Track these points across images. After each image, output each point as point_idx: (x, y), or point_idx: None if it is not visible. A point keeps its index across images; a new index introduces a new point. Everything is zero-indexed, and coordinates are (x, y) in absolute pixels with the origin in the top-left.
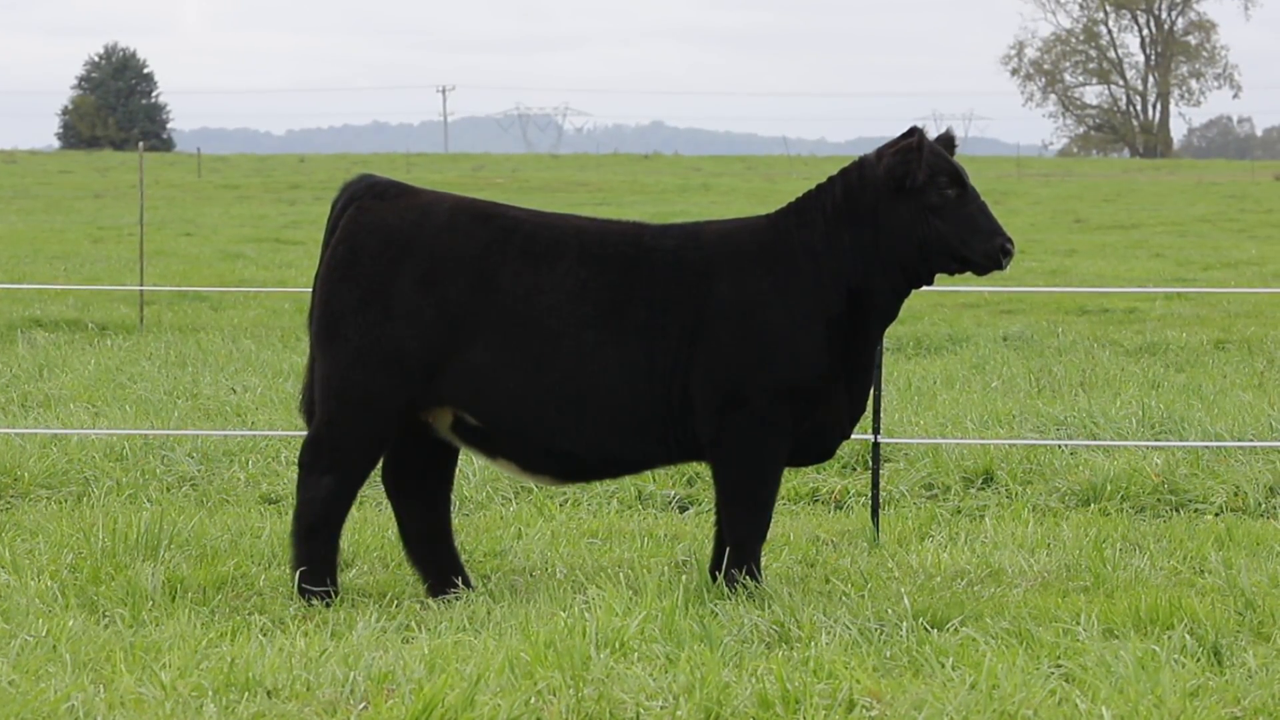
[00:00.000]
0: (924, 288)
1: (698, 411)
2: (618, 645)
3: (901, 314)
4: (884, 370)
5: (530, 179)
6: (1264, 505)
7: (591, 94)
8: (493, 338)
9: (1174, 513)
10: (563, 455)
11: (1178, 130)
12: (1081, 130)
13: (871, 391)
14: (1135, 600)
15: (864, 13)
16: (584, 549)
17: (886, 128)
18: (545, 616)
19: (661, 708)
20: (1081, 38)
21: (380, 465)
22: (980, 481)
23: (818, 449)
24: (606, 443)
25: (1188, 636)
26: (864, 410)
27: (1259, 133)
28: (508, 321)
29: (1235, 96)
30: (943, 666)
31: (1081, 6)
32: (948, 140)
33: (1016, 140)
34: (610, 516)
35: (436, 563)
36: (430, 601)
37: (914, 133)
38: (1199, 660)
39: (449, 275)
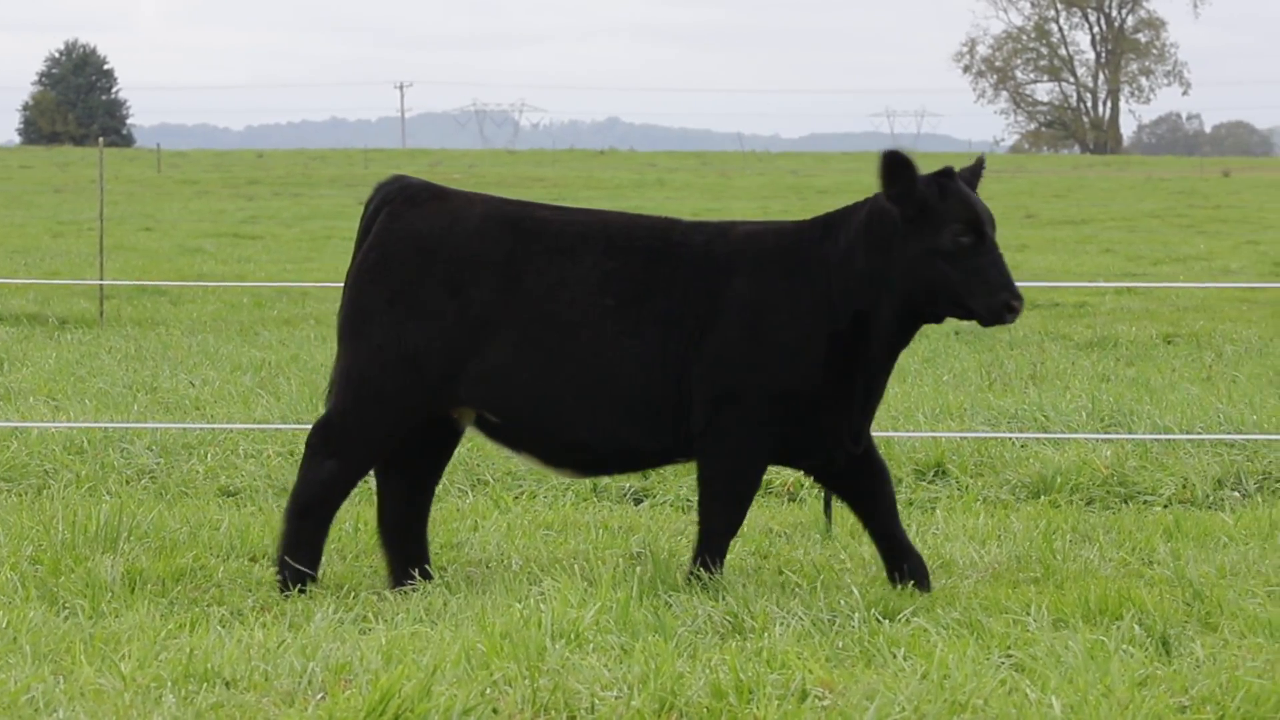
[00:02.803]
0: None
1: (694, 403)
2: (573, 636)
3: None
4: None
5: (487, 175)
6: (1211, 497)
7: (548, 90)
8: (512, 336)
9: (1123, 505)
10: (580, 448)
11: (1128, 127)
12: (1033, 127)
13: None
14: (1084, 591)
15: (818, 10)
16: (539, 541)
17: (840, 124)
18: (501, 608)
19: (616, 698)
20: (1033, 35)
21: None
22: (931, 474)
23: (818, 454)
24: (623, 434)
25: (1136, 627)
26: (866, 427)
27: (1208, 129)
28: (528, 318)
29: (1184, 94)
30: (894, 657)
31: (1033, 4)
32: (975, 169)
33: (968, 137)
34: (565, 509)
35: (404, 550)
36: (387, 593)
37: (950, 172)
38: (1147, 650)
39: (474, 280)
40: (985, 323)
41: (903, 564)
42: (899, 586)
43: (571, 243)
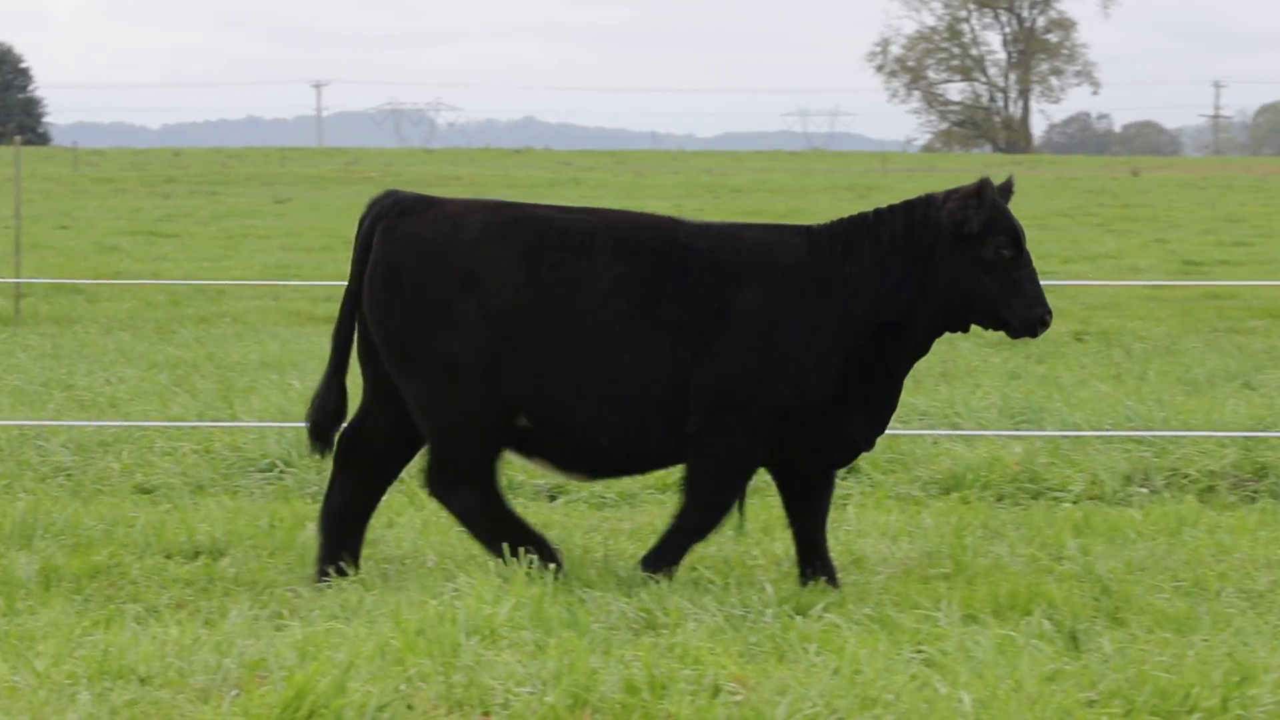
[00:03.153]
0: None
1: (691, 405)
2: (487, 632)
3: None
4: None
5: (403, 173)
6: (1120, 493)
7: (464, 89)
8: (540, 336)
9: (1033, 501)
10: (596, 451)
11: (1038, 126)
12: (945, 126)
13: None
14: (995, 586)
15: (731, 10)
16: (454, 538)
17: (753, 123)
18: (416, 604)
19: (530, 694)
20: (945, 35)
21: (346, 426)
22: (844, 470)
23: (825, 459)
24: (637, 438)
25: (1045, 622)
26: (882, 432)
27: (1117, 128)
28: (553, 318)
29: (1094, 93)
30: (806, 652)
31: (945, 4)
32: (1006, 188)
33: (881, 136)
34: None
35: (339, 542)
36: (302, 590)
37: (983, 183)
38: (1056, 645)
39: (490, 280)
40: (1015, 335)
41: (814, 571)
42: (808, 584)
43: (579, 240)
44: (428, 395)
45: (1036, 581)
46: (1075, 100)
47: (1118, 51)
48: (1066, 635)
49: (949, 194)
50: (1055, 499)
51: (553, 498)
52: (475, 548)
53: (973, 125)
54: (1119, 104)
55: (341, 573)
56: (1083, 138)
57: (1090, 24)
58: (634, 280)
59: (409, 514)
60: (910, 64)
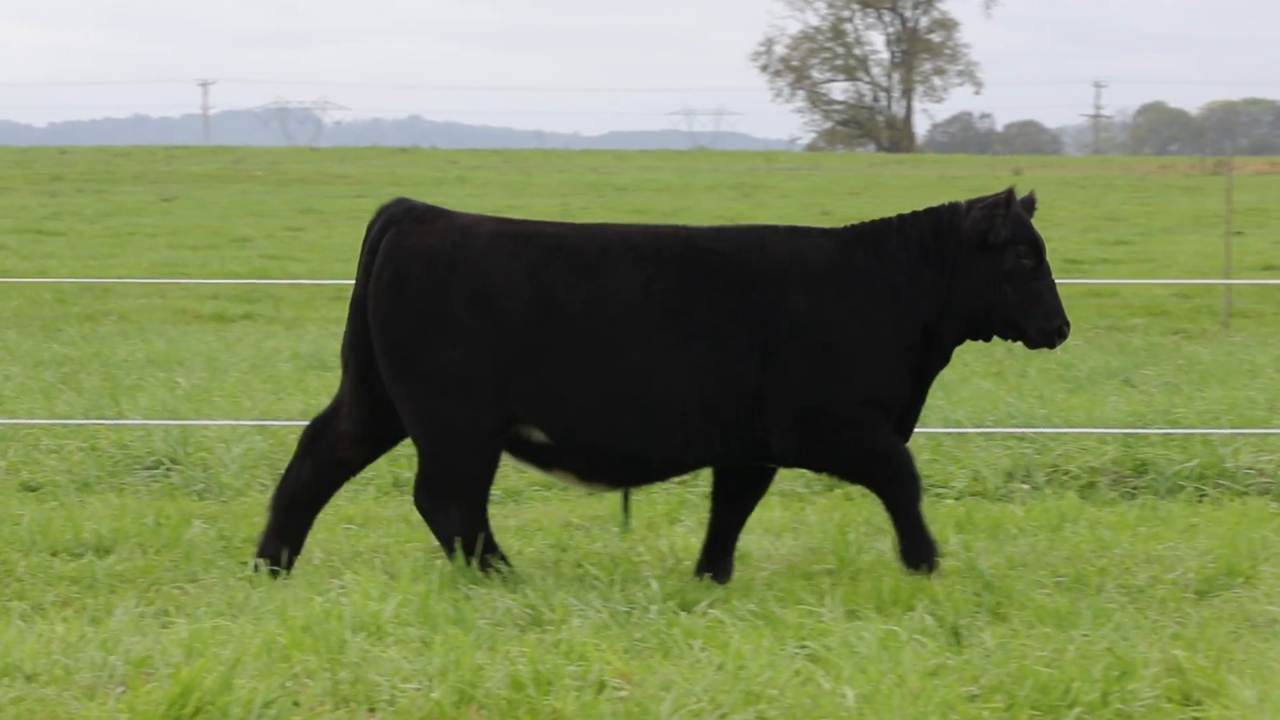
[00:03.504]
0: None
1: (773, 424)
2: (373, 629)
3: None
4: None
5: (290, 171)
6: (1002, 489)
7: (350, 88)
8: (560, 354)
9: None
10: (632, 461)
11: (921, 125)
12: (829, 125)
13: None
14: (878, 582)
15: (617, 9)
16: (341, 535)
17: (639, 122)
18: (302, 601)
19: (416, 689)
20: (829, 35)
21: (317, 415)
22: None
23: None
24: (674, 445)
25: (928, 617)
26: (906, 440)
27: (999, 128)
28: (573, 335)
29: (977, 93)
30: (691, 648)
31: (829, 5)
32: (1029, 202)
33: (766, 135)
34: (367, 503)
35: (288, 531)
36: (188, 587)
37: (1009, 192)
38: (939, 640)
39: (502, 294)
40: (1033, 345)
41: (714, 569)
42: (700, 578)
43: (596, 256)
44: (427, 408)
45: (919, 577)
46: (958, 100)
47: (1000, 52)
48: (948, 630)
49: (973, 202)
50: (938, 495)
51: None
52: (362, 545)
53: (856, 124)
54: (1001, 104)
55: (280, 558)
56: (965, 137)
57: (973, 24)
58: (663, 288)
59: None
60: (794, 64)
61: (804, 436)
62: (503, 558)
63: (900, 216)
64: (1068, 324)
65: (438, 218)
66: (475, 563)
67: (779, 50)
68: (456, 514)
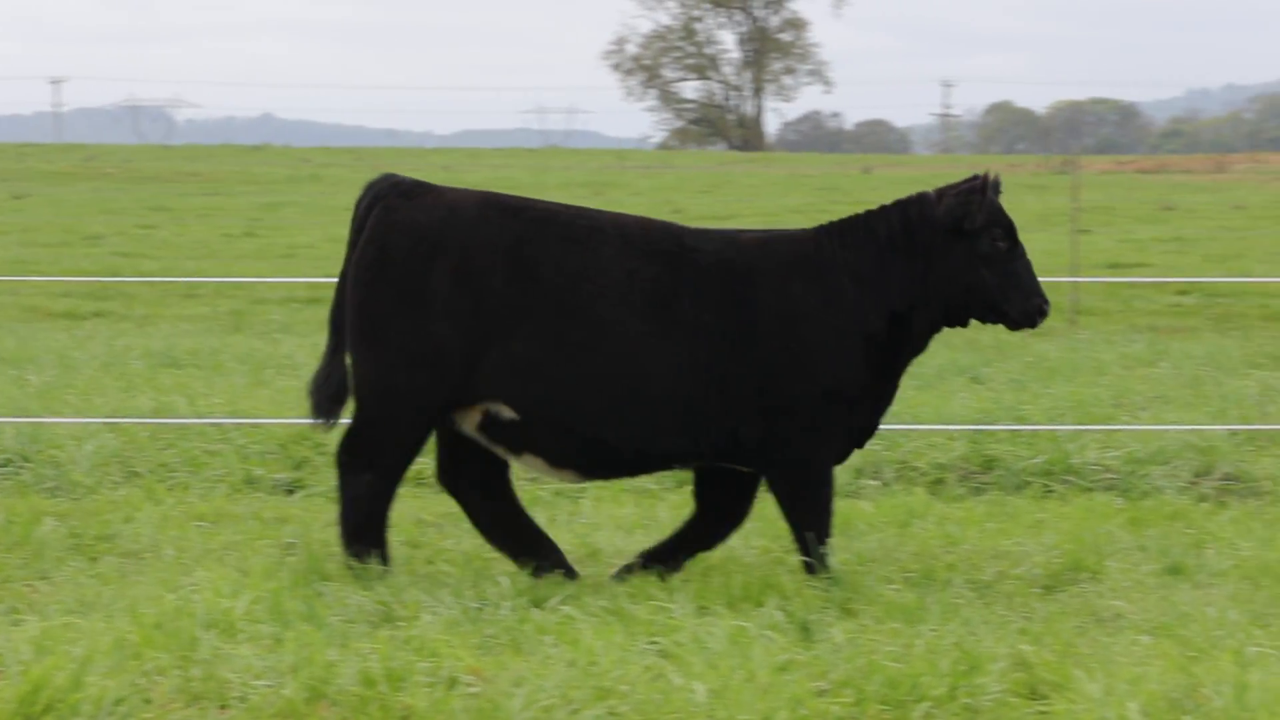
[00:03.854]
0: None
1: (737, 412)
2: (225, 626)
3: None
4: None
5: (142, 169)
6: (851, 486)
7: (202, 86)
8: (537, 327)
9: (766, 494)
10: (601, 447)
11: (772, 124)
12: (680, 124)
13: None
14: (728, 578)
15: (469, 8)
16: (193, 532)
17: (492, 120)
18: (154, 599)
19: (268, 686)
20: (680, 34)
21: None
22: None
23: (840, 456)
24: (645, 436)
25: (778, 613)
26: (875, 430)
27: (849, 127)
28: (552, 310)
29: (827, 92)
30: (542, 644)
31: (681, 4)
32: (996, 184)
33: (618, 134)
34: (218, 500)
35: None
36: (39, 584)
37: (977, 178)
38: (789, 636)
39: (485, 268)
40: (1015, 326)
41: (664, 562)
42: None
43: (585, 234)
44: (388, 378)
45: (769, 573)
46: (808, 99)
47: (849, 51)
48: (798, 626)
49: (943, 191)
50: None
51: (291, 492)
52: (214, 542)
53: (708, 123)
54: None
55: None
56: (816, 136)
57: (823, 24)
58: (646, 278)
59: (147, 509)
60: (646, 62)
61: (767, 429)
62: (383, 548)
63: (868, 211)
64: (1047, 302)
65: (425, 193)
66: (371, 533)
67: (631, 49)
68: (371, 481)
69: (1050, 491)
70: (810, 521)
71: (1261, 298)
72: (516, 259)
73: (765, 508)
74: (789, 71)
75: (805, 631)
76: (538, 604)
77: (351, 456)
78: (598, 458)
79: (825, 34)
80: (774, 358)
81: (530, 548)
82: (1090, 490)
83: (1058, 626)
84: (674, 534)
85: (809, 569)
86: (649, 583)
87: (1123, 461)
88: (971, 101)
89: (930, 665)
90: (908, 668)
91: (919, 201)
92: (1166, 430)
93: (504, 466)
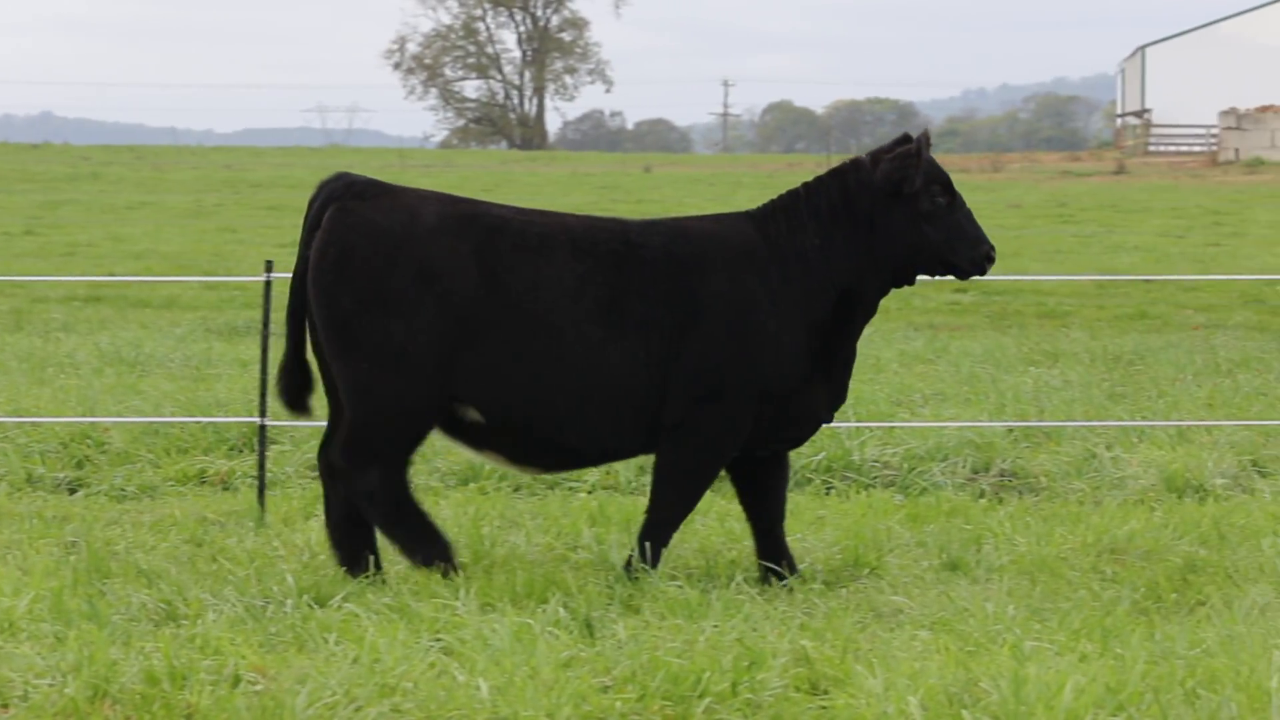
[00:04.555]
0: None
1: (671, 398)
2: (6, 625)
3: (287, 299)
4: (270, 355)
5: None
6: (634, 483)
7: None
8: (501, 334)
9: (549, 491)
10: (564, 448)
11: (553, 123)
12: (462, 123)
13: (268, 374)
14: (512, 576)
15: (250, 6)
16: None
17: (273, 119)
18: None
19: (50, 685)
20: (461, 34)
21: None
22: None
23: (793, 436)
24: (606, 434)
25: (561, 610)
26: (844, 399)
27: (630, 126)
28: (514, 318)
29: (607, 91)
30: (326, 642)
31: (461, 3)
32: (926, 138)
33: (399, 132)
34: None
35: (354, 544)
36: None
37: (909, 139)
38: (572, 632)
39: (447, 272)
40: (963, 275)
41: (781, 561)
42: (781, 584)
43: (539, 241)
44: (367, 380)
45: (553, 570)
46: (589, 98)
47: (630, 50)
48: (582, 623)
49: (876, 154)
50: (571, 489)
51: (73, 490)
52: None
53: (489, 122)
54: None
55: (376, 566)
56: (597, 135)
57: (603, 23)
58: (597, 281)
59: None
60: (427, 62)
61: (693, 411)
62: (429, 525)
63: (805, 185)
64: (993, 248)
65: (381, 193)
66: (397, 511)
67: (412, 48)
68: (375, 475)
69: (830, 489)
70: (674, 506)
71: (1037, 296)
72: (477, 265)
73: (543, 505)
74: (570, 71)
75: (588, 628)
76: (321, 602)
77: (353, 459)
78: (560, 456)
79: (606, 34)
80: (716, 348)
81: (362, 557)
82: (870, 487)
83: (838, 622)
84: (755, 533)
85: (642, 550)
86: (433, 580)
87: (902, 458)
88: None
89: (713, 661)
90: (690, 663)
91: (854, 168)
92: (945, 427)
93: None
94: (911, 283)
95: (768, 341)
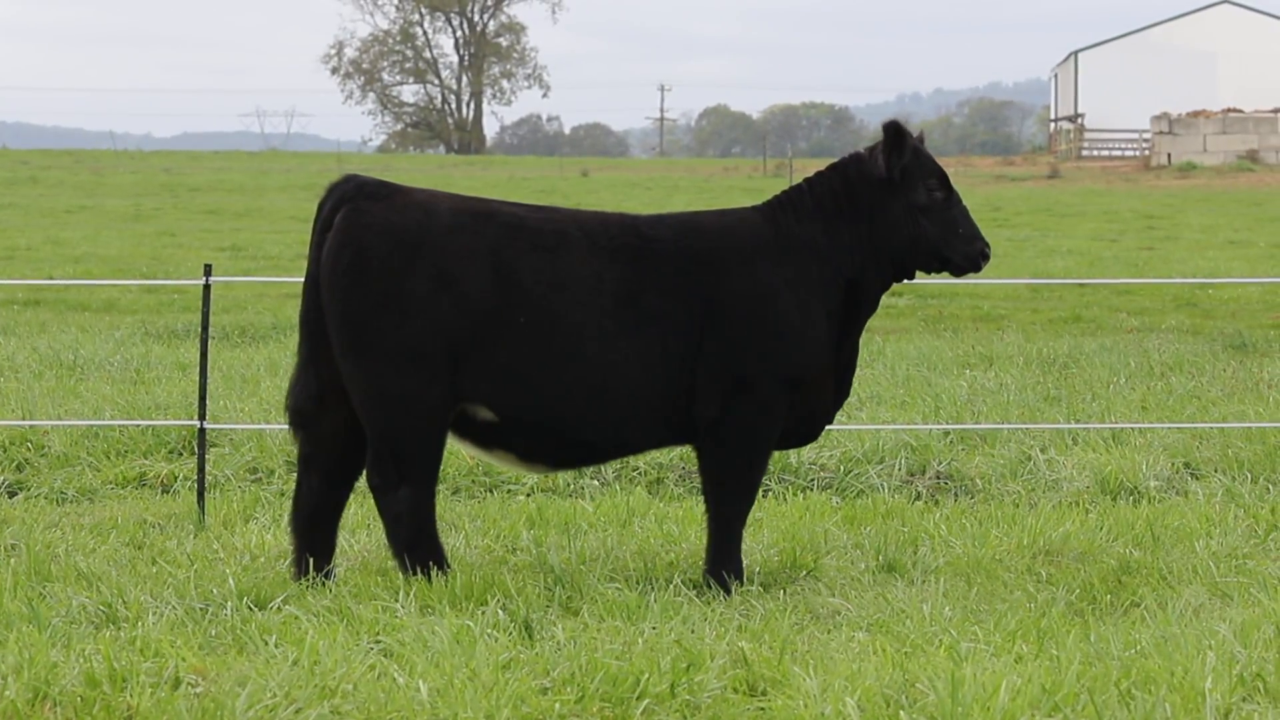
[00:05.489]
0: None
1: (701, 396)
2: None
3: (226, 303)
4: (209, 358)
5: None
6: (572, 485)
7: None
8: (516, 335)
9: (488, 493)
10: (582, 445)
11: (491, 128)
12: (400, 127)
13: (207, 378)
14: (451, 578)
15: (187, 10)
16: None
17: (211, 123)
18: None
19: None
20: (399, 39)
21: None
22: None
23: (806, 433)
24: (624, 430)
25: (501, 612)
26: (848, 397)
27: (567, 130)
28: (532, 317)
29: (544, 96)
30: (266, 644)
31: (398, 8)
32: (920, 137)
33: (338, 137)
34: None
35: (310, 543)
36: None
37: (894, 125)
38: (511, 634)
39: (465, 272)
40: (958, 271)
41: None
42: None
43: (555, 239)
44: (382, 384)
45: (492, 572)
46: (526, 103)
47: (567, 55)
48: (521, 624)
49: (873, 148)
50: (510, 491)
51: (12, 494)
52: None
53: (427, 127)
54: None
55: (311, 571)
56: (534, 139)
57: (540, 28)
58: (614, 277)
59: None
60: (365, 66)
61: (727, 406)
62: (439, 554)
63: (807, 180)
64: (988, 245)
65: (393, 194)
66: (424, 541)
67: (349, 53)
68: (407, 495)
69: (768, 491)
70: (738, 503)
71: (972, 299)
72: (494, 264)
73: (482, 507)
74: (507, 75)
75: (528, 630)
76: (261, 604)
77: (382, 477)
78: (575, 452)
79: (543, 39)
80: (742, 340)
81: (325, 553)
82: (807, 489)
83: (776, 624)
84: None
85: (717, 555)
86: (373, 582)
87: (839, 461)
88: (687, 105)
89: (651, 662)
90: (629, 665)
91: (855, 161)
92: (881, 430)
93: (359, 467)
94: (911, 276)
95: (791, 330)
